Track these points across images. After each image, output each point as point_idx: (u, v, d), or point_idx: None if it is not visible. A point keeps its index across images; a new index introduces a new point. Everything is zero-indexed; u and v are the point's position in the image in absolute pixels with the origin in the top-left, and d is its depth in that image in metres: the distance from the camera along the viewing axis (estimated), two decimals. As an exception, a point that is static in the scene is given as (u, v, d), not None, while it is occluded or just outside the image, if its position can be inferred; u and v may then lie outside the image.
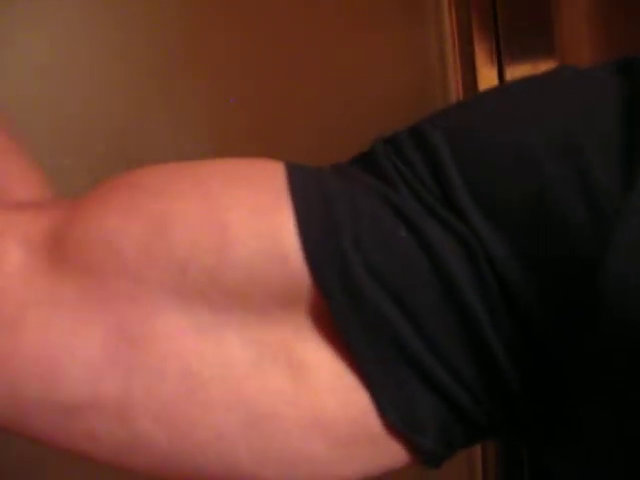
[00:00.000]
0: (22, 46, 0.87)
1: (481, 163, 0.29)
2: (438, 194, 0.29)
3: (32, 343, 0.29)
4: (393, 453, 0.31)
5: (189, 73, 0.91)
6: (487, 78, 0.95)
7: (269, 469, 0.31)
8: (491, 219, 0.29)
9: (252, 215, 0.30)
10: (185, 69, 0.91)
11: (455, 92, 0.96)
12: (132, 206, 0.30)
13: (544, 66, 0.93)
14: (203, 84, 0.91)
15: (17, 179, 0.42)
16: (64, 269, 0.30)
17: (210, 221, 0.30)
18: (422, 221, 0.29)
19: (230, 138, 0.92)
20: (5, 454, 0.84)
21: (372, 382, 0.30)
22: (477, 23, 0.98)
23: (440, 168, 0.29)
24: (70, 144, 0.88)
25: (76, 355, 0.29)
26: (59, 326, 0.29)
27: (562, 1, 0.97)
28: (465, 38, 0.98)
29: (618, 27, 0.95)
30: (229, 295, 0.30)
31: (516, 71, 0.95)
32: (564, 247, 0.28)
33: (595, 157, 0.28)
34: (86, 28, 0.90)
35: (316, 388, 0.30)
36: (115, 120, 0.90)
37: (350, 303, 0.29)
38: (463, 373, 0.29)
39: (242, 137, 0.92)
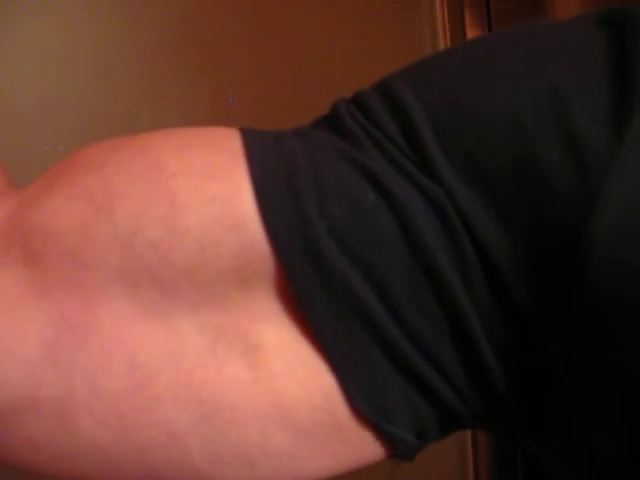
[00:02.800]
0: (22, 36, 0.87)
1: (457, 120, 0.27)
2: (410, 154, 0.27)
3: None
4: (362, 446, 0.29)
5: (187, 66, 0.92)
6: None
7: (226, 469, 0.28)
8: (468, 180, 0.26)
9: (203, 180, 0.27)
10: (183, 63, 0.91)
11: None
12: (72, 186, 0.28)
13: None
14: (202, 78, 0.92)
15: None
16: (7, 261, 0.28)
17: (156, 189, 0.27)
18: (392, 182, 0.27)
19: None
20: None
21: (338, 365, 0.27)
22: (470, 20, 0.98)
23: (412, 127, 0.27)
24: (65, 130, 0.88)
25: (15, 354, 0.27)
26: None
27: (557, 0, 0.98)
28: (458, 34, 0.98)
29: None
30: (179, 272, 0.27)
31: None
32: (551, 209, 0.26)
33: (582, 112, 0.26)
34: (86, 22, 0.90)
35: (276, 373, 0.27)
36: (111, 114, 0.90)
37: (314, 276, 0.27)
38: (439, 355, 0.27)
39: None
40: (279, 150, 0.28)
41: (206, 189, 0.27)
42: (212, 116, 0.92)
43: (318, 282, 0.27)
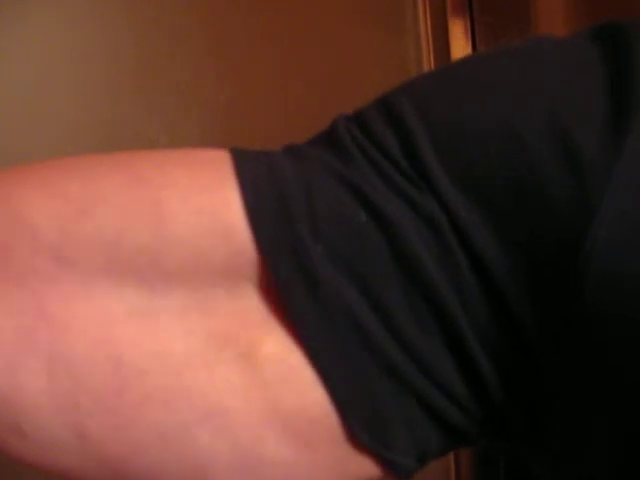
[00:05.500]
0: (5, 45, 0.88)
1: (456, 134, 0.27)
2: (407, 169, 0.27)
3: None
4: (361, 462, 0.29)
5: (172, 72, 0.93)
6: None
7: (222, 473, 0.28)
8: (466, 192, 0.27)
9: (190, 192, 0.27)
10: (167, 68, 0.92)
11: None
12: (49, 183, 0.27)
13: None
14: (186, 83, 0.93)
15: None
16: None
17: (141, 199, 0.27)
18: (384, 202, 0.27)
19: (211, 140, 0.93)
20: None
21: (336, 393, 0.27)
22: (454, 32, 1.00)
23: (410, 139, 0.27)
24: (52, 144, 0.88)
25: None
26: None
27: (540, 13, 1.00)
28: (442, 48, 1.00)
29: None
30: (169, 276, 0.27)
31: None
32: (549, 223, 0.26)
33: (580, 127, 0.26)
34: (71, 30, 0.91)
35: (269, 382, 0.27)
36: (98, 121, 0.90)
37: (309, 295, 0.27)
38: (436, 368, 0.27)
39: (221, 138, 0.93)
40: (271, 170, 0.28)
41: (194, 201, 0.27)
42: (198, 115, 0.93)
43: (313, 302, 0.27)
